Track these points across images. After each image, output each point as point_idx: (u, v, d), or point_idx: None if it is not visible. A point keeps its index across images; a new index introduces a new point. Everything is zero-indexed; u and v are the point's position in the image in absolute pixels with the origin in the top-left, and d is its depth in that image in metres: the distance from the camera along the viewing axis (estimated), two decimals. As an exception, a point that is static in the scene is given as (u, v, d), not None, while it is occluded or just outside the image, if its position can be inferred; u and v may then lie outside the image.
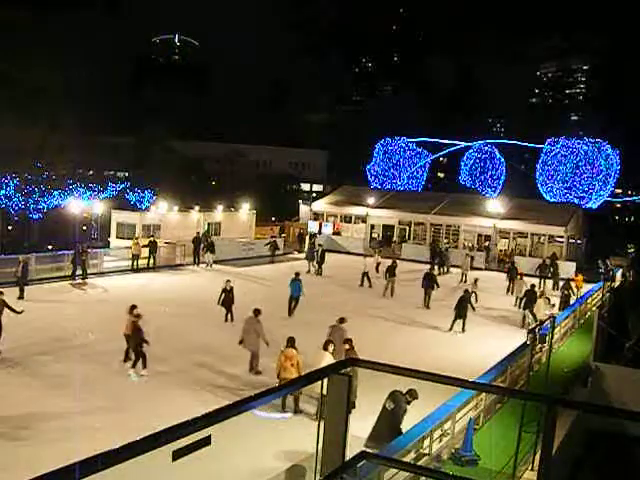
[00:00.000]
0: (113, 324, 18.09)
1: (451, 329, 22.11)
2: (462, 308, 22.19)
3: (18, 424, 11.82)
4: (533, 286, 25.36)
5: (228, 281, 21.49)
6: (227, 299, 21.03)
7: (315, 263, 33.74)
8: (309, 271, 33.35)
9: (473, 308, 23.06)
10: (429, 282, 26.39)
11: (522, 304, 24.04)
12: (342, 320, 15.68)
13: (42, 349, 16.68)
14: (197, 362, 16.44)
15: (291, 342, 13.43)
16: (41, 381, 14.41)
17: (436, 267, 36.45)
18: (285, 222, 51.40)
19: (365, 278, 30.47)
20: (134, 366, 15.01)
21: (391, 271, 28.76)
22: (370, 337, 18.95)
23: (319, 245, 36.46)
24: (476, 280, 27.80)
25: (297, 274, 23.92)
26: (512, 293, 29.14)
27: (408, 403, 9.91)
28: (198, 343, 18.26)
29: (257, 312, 15.88)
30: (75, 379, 14.53)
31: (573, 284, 28.99)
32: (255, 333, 15.52)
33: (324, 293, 27.74)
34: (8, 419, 11.99)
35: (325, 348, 13.21)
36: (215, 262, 33.89)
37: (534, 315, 22.87)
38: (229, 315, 20.96)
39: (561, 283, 29.79)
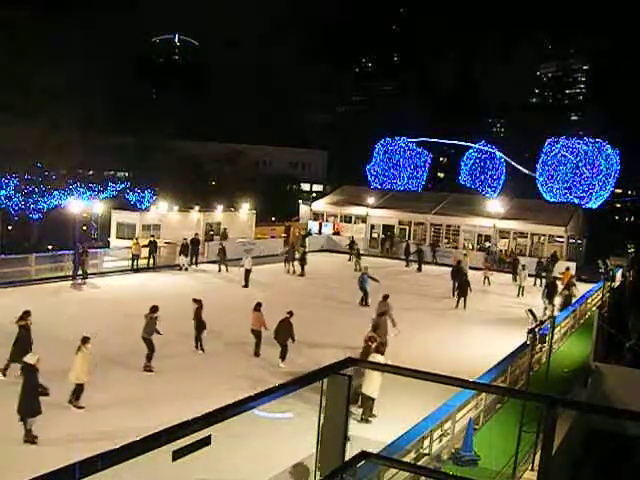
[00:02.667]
0: (121, 324, 18.12)
1: (457, 306, 25.78)
2: (461, 283, 26.46)
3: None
4: (555, 279, 28.27)
5: (195, 300, 17.79)
6: (197, 322, 17.57)
7: (298, 264, 33.16)
8: (288, 271, 33.20)
9: (470, 288, 26.50)
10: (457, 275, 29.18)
11: (544, 295, 26.17)
12: (383, 314, 17.10)
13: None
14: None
15: (374, 328, 15.95)
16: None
17: (414, 265, 38.68)
18: (290, 222, 51.24)
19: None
20: (283, 358, 16.55)
21: (357, 254, 36.32)
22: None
23: (302, 247, 35.94)
24: (488, 268, 33.27)
25: (366, 268, 26.42)
26: (515, 280, 33.20)
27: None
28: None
29: (386, 297, 18.65)
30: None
31: (560, 281, 28.98)
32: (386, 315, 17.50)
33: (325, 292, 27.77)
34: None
35: (379, 351, 13.49)
36: (212, 262, 33.99)
37: (552, 307, 24.83)
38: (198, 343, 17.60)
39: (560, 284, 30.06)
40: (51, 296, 24.28)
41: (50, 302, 23.12)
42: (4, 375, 14.27)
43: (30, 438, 11.17)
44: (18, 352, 13.65)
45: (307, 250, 35.72)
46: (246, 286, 27.92)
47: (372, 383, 12.86)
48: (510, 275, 35.17)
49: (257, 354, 17.27)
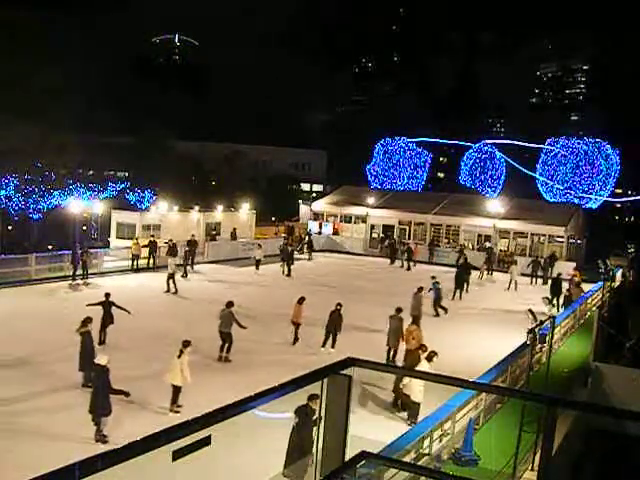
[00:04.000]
0: (121, 324, 18.09)
1: (453, 298, 27.26)
2: (463, 275, 28.85)
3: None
4: (559, 274, 29.06)
5: (106, 294, 17.96)
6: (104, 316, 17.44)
7: (285, 264, 33.14)
8: (283, 272, 33.00)
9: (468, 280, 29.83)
10: (466, 270, 31.15)
11: (549, 291, 27.52)
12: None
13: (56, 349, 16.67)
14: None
15: (415, 320, 17.99)
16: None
17: (404, 263, 39.25)
18: (293, 223, 51.14)
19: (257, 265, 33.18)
20: (332, 345, 18.07)
21: (286, 251, 34.31)
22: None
23: (289, 246, 35.88)
24: (487, 259, 36.35)
25: (434, 277, 26.15)
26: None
27: (313, 411, 9.57)
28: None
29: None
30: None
31: (576, 279, 29.49)
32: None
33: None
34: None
35: (429, 359, 13.38)
36: (214, 262, 33.93)
37: (557, 304, 26.00)
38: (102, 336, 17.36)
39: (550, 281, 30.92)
40: (51, 296, 24.29)
41: (50, 302, 23.13)
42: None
43: (101, 438, 11.29)
44: (85, 359, 13.64)
45: (295, 249, 35.86)
46: (168, 291, 25.90)
47: (414, 387, 12.86)
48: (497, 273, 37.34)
49: (295, 341, 19.00)
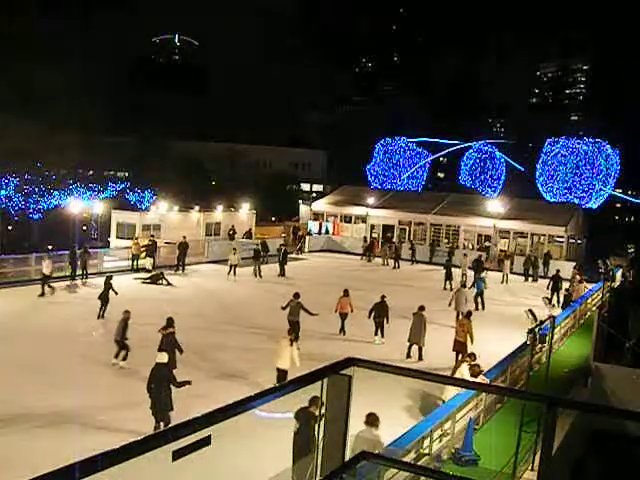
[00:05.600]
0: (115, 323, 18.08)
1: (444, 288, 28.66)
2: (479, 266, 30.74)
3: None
4: (558, 271, 29.44)
5: (109, 277, 21.60)
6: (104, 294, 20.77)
7: (278, 265, 32.89)
8: (279, 272, 32.60)
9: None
10: (477, 266, 32.20)
11: (550, 286, 28.58)
12: (422, 307, 18.31)
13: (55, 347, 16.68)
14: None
15: (467, 315, 17.95)
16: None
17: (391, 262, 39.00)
18: (296, 223, 51.05)
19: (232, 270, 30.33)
20: (382, 335, 19.14)
21: (257, 254, 32.59)
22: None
23: (282, 245, 35.34)
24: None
25: (479, 273, 28.96)
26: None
27: (314, 417, 9.46)
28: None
29: (422, 308, 19.12)
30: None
31: (577, 277, 29.66)
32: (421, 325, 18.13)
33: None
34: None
35: (474, 372, 13.07)
36: (212, 262, 33.96)
37: (558, 302, 26.57)
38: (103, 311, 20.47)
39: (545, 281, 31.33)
40: (51, 296, 24.23)
41: (49, 302, 23.10)
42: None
43: None
44: (172, 358, 13.27)
45: (289, 250, 35.82)
46: (42, 295, 23.91)
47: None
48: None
49: (343, 332, 19.94)
